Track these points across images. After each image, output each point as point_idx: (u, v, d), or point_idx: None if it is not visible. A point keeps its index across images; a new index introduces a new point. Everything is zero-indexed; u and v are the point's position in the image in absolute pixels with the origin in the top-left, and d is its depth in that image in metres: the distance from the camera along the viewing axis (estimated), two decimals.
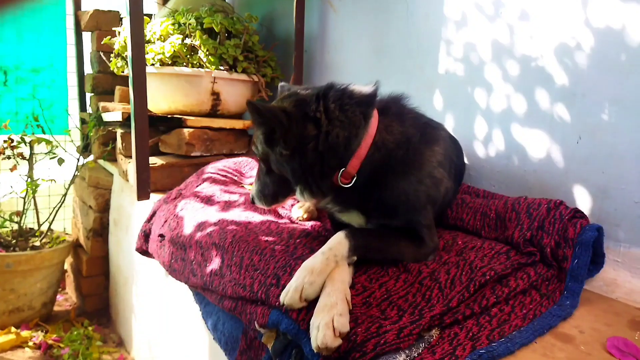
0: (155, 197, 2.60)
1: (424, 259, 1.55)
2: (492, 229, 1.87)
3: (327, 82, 2.90)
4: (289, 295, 1.27)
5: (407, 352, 1.16)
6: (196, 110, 2.99)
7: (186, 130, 2.78)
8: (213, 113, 3.06)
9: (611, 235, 1.68)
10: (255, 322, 1.41)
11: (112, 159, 3.48)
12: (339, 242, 1.39)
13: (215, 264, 1.71)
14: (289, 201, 2.09)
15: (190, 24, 2.83)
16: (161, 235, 2.11)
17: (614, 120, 1.68)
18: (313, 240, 1.69)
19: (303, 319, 1.27)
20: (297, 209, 1.95)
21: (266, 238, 1.74)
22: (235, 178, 2.59)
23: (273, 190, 1.62)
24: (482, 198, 2.06)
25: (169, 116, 2.82)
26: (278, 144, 1.44)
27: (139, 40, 2.34)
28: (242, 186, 2.47)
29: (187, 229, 1.98)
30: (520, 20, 1.94)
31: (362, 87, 1.51)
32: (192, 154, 2.83)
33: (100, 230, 3.46)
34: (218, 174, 2.53)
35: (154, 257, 2.32)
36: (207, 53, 2.83)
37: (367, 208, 1.54)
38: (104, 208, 3.44)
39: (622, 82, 1.64)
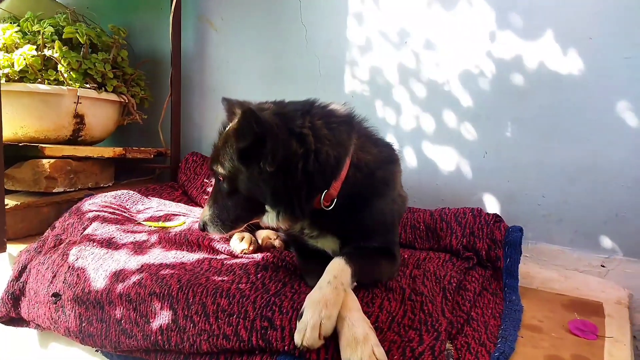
0: (12, 249, 2.02)
1: (395, 275, 1.56)
2: (425, 240, 2.00)
3: (209, 104, 2.76)
4: (307, 335, 1.12)
5: None
6: (52, 136, 2.44)
7: (46, 161, 2.24)
8: (74, 139, 2.55)
9: None
10: None
11: None
12: (341, 269, 1.29)
13: (163, 317, 1.40)
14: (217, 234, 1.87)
15: (44, 33, 2.31)
16: (55, 295, 1.63)
17: (515, 136, 1.98)
18: (276, 273, 1.53)
19: (326, 358, 1.14)
20: (238, 242, 1.73)
21: (220, 278, 1.51)
22: (126, 215, 2.19)
23: (235, 215, 1.41)
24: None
25: (20, 144, 2.23)
26: (260, 160, 1.27)
27: None
28: (140, 223, 2.10)
29: (97, 282, 1.59)
30: (425, 49, 2.15)
31: (339, 106, 1.45)
32: (55, 190, 2.29)
33: None
34: (104, 211, 2.10)
35: (30, 326, 1.79)
36: (69, 68, 2.36)
37: (344, 231, 1.47)
38: None
39: (521, 103, 1.95)
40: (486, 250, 1.83)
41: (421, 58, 2.16)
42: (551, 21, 1.87)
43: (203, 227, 1.45)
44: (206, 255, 1.72)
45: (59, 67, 2.33)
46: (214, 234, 1.49)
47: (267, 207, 1.37)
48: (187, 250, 1.77)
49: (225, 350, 1.27)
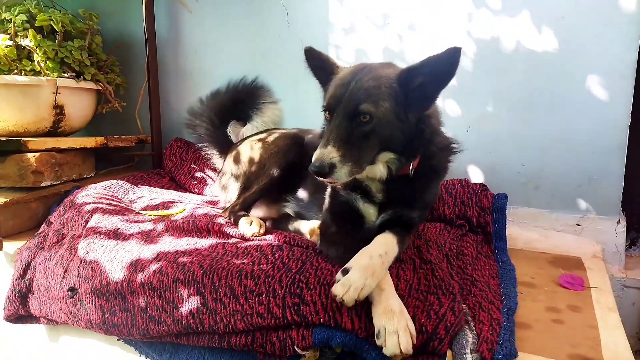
0: (7, 247, 1.98)
1: None
2: None
3: (187, 88, 2.72)
4: (349, 293, 1.20)
5: (468, 327, 1.28)
6: (32, 129, 2.37)
7: (31, 155, 2.17)
8: (54, 131, 2.47)
9: None
10: (295, 347, 1.29)
11: None
12: (392, 248, 1.39)
13: (192, 302, 1.45)
14: (221, 219, 1.91)
15: (15, 22, 2.21)
16: (72, 290, 1.64)
17: (495, 111, 2.13)
18: (292, 252, 1.60)
19: (360, 327, 1.25)
20: (248, 226, 1.78)
21: (240, 261, 1.57)
22: (122, 205, 2.18)
23: (364, 158, 1.39)
24: None
25: (2, 139, 2.15)
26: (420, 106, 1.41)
27: None
28: (138, 213, 2.10)
29: (115, 273, 1.61)
30: (408, 30, 2.24)
31: None
32: (42, 185, 2.23)
33: None
34: (100, 203, 2.09)
35: (41, 322, 1.79)
36: (45, 57, 2.27)
37: (398, 199, 1.55)
38: None
39: (500, 80, 2.09)
40: (476, 217, 1.99)
41: (404, 39, 2.25)
42: (526, 1, 2.00)
43: (328, 170, 1.30)
44: (218, 240, 1.77)
45: (35, 56, 2.24)
46: (338, 178, 1.33)
47: (388, 154, 1.43)
48: (198, 237, 1.81)
49: (261, 327, 1.35)
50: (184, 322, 1.44)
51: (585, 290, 1.60)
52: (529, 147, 2.10)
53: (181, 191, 2.58)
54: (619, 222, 1.99)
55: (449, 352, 1.20)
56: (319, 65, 1.60)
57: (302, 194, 1.95)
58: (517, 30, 2.03)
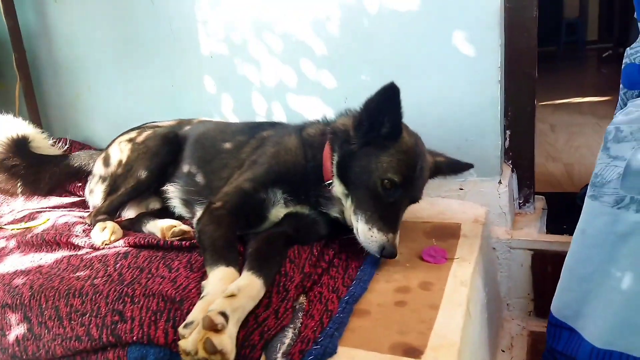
0: None
1: None
2: None
3: (65, 82, 2.54)
4: None
5: (291, 326, 1.19)
6: None
7: None
8: None
9: None
10: None
11: None
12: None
13: (19, 328, 1.35)
14: (79, 227, 1.79)
15: None
16: None
17: (369, 79, 2.01)
18: (136, 259, 1.50)
19: (174, 339, 1.15)
20: (99, 232, 1.66)
21: (77, 275, 1.46)
22: None
23: None
24: None
25: None
26: None
27: None
28: (1, 228, 1.95)
29: None
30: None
31: None
32: None
33: None
34: None
35: None
36: None
37: None
38: None
39: (369, 45, 1.96)
40: None
41: (271, 9, 2.09)
42: None
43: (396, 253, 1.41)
44: (66, 253, 1.64)
45: None
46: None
47: None
48: (46, 251, 1.68)
49: (79, 352, 1.25)
50: (10, 350, 1.34)
51: (448, 262, 1.53)
52: (406, 113, 1.98)
53: (66, 195, 2.42)
54: (500, 182, 1.92)
55: (262, 358, 1.11)
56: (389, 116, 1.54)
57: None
58: None
